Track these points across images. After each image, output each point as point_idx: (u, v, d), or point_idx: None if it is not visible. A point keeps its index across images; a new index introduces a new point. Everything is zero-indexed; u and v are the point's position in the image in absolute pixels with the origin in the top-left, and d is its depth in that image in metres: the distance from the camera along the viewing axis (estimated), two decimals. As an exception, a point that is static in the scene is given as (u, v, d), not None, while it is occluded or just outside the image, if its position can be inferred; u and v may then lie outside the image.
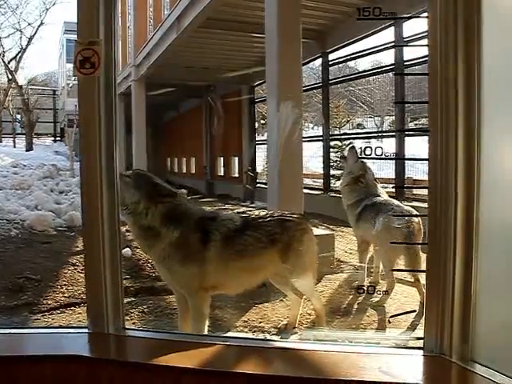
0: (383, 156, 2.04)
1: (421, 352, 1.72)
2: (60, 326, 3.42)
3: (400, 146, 7.81)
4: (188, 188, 14.69)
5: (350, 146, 4.88)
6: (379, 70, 9.33)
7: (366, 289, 2.03)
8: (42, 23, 21.64)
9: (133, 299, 4.22)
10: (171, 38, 10.25)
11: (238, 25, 9.11)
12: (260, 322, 3.54)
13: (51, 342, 2.16)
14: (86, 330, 2.13)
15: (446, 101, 1.63)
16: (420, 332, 1.73)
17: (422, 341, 1.72)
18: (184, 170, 19.11)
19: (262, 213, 3.08)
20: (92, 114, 2.08)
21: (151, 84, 12.86)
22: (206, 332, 2.77)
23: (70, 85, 30.30)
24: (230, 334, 3.40)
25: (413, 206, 4.09)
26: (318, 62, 10.56)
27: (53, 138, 25.45)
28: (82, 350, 1.96)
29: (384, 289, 3.76)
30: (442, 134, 1.63)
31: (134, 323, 3.67)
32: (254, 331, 3.42)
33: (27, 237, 6.51)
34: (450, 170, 1.61)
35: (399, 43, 7.74)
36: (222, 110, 14.25)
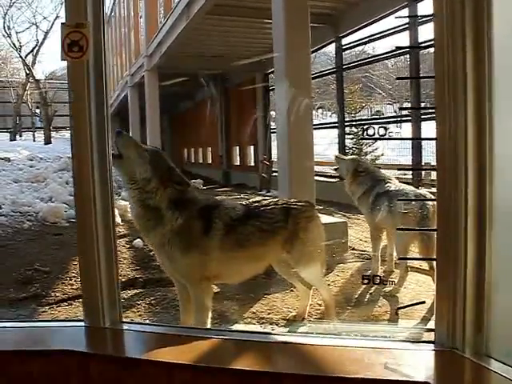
0: (387, 136, 1.90)
1: (431, 346, 1.63)
2: (56, 320, 3.36)
3: (416, 130, 7.62)
4: (204, 178, 14.70)
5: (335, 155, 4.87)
6: (393, 54, 9.08)
7: (371, 279, 1.89)
8: (57, 17, 21.64)
9: (141, 290, 4.17)
10: (181, 26, 10.13)
11: (249, 10, 8.95)
12: (269, 314, 3.43)
13: (45, 336, 2.14)
14: (82, 324, 2.08)
15: (454, 75, 1.51)
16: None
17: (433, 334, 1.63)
18: (200, 160, 19.11)
19: (266, 201, 2.96)
20: (82, 99, 2.01)
21: (164, 74, 12.76)
22: (209, 324, 2.67)
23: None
24: (237, 325, 3.30)
25: (430, 192, 3.92)
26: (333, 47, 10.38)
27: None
28: (76, 345, 1.92)
29: (396, 278, 3.64)
30: (450, 110, 1.50)
31: (140, 315, 3.60)
32: (262, 323, 3.32)
33: (39, 229, 6.53)
34: (459, 149, 1.49)
35: (413, 25, 7.51)
36: (216, 93, 14.09)
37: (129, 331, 2.05)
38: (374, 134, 2.00)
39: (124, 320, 2.13)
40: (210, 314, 2.67)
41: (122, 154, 2.58)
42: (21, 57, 23.10)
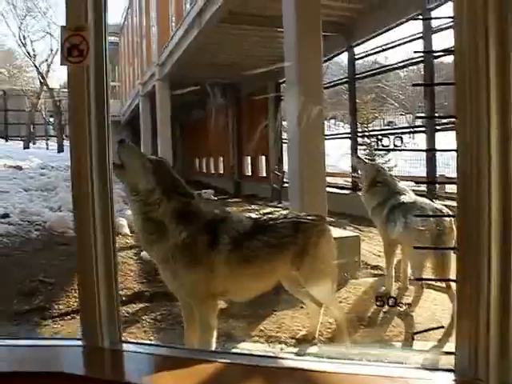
0: (402, 147, 1.79)
1: (451, 376, 1.48)
2: (53, 338, 3.25)
3: (431, 141, 7.47)
4: (215, 188, 14.61)
5: (355, 155, 4.75)
6: (406, 63, 8.94)
7: (385, 300, 1.76)
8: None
9: (146, 305, 4.05)
10: (192, 35, 10.10)
11: (261, 19, 8.87)
12: (277, 332, 3.29)
13: (39, 356, 2.05)
14: (80, 343, 1.97)
15: (476, 81, 1.37)
16: (452, 345, 1.49)
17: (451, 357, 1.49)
18: (212, 170, 19.04)
19: (275, 214, 2.83)
20: (82, 106, 1.93)
21: (176, 83, 12.73)
22: (213, 343, 2.54)
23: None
24: (244, 344, 3.16)
25: (445, 205, 3.76)
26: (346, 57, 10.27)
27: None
28: (71, 367, 1.81)
29: (411, 297, 3.48)
30: (472, 119, 1.38)
31: (144, 331, 3.48)
32: (270, 342, 3.17)
33: (46, 239, 6.45)
34: (482, 161, 1.36)
35: (427, 33, 7.38)
36: (223, 102, 14.02)
37: (128, 352, 1.96)
38: (388, 145, 1.89)
39: (124, 340, 2.04)
40: (215, 333, 2.54)
41: (124, 164, 2.46)
42: (35, 66, 23.35)
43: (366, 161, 4.53)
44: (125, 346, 1.99)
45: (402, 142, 1.87)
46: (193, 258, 2.48)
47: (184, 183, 2.59)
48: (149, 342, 3.03)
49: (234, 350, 2.90)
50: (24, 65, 24.78)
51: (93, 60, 1.93)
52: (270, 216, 2.81)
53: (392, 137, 1.84)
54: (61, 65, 1.99)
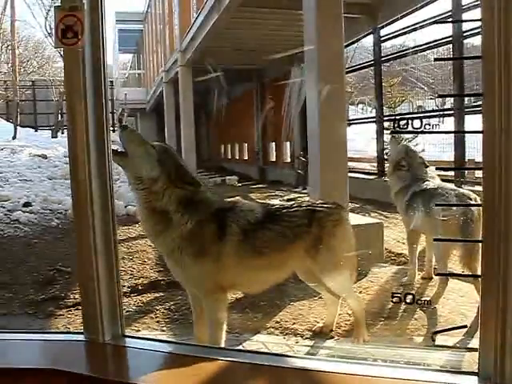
0: (422, 129, 1.63)
1: (474, 380, 1.35)
2: (55, 332, 3.19)
3: (459, 124, 7.19)
4: (240, 174, 14.56)
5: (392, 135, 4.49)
6: (434, 44, 8.59)
7: (401, 297, 1.62)
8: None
9: (162, 294, 3.99)
10: (213, 20, 9.93)
11: (280, 1, 8.63)
12: (293, 324, 3.17)
13: (39, 351, 1.99)
14: (82, 338, 1.90)
15: (506, 54, 1.23)
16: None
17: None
18: (237, 156, 18.97)
19: (289, 202, 2.69)
20: (77, 91, 1.83)
21: (199, 69, 12.61)
22: (223, 338, 2.44)
23: (126, 75, 30.98)
24: (259, 336, 3.05)
25: (474, 191, 3.53)
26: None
27: (112, 128, 26.06)
28: (70, 364, 1.73)
29: (436, 287, 3.31)
30: (501, 97, 1.24)
31: (157, 321, 3.41)
32: (286, 334, 3.05)
33: (67, 227, 6.46)
34: (510, 144, 1.23)
35: (457, 12, 7.05)
36: (244, 86, 13.78)
37: (130, 348, 1.87)
38: (406, 127, 1.73)
39: (127, 334, 1.96)
40: (224, 327, 2.43)
41: (126, 151, 2.35)
42: (62, 56, 23.52)
43: (398, 140, 4.25)
44: (127, 341, 1.91)
45: (421, 124, 1.71)
46: (200, 248, 2.37)
47: (190, 170, 2.47)
48: (152, 337, 2.94)
49: (239, 348, 2.78)
50: (52, 56, 25.01)
51: (88, 42, 1.83)
52: (283, 204, 2.67)
53: (418, 120, 1.69)
54: (55, 47, 1.91)
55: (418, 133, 1.72)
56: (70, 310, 3.75)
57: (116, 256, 1.95)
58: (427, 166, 3.86)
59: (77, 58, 1.81)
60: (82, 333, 1.89)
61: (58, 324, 3.53)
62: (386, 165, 8.98)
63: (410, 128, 1.75)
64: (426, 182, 3.63)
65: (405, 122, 1.68)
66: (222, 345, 2.41)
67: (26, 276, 4.53)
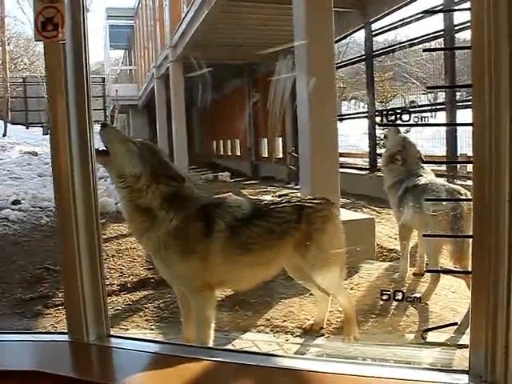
0: (411, 122, 1.61)
1: (465, 378, 1.34)
2: (39, 332, 3.15)
3: (450, 118, 7.18)
4: (232, 170, 14.52)
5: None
6: (425, 38, 8.56)
7: (391, 295, 1.59)
8: (87, 10, 21.71)
9: (151, 292, 3.94)
10: (203, 15, 9.84)
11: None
12: (284, 321, 3.13)
13: (23, 352, 1.97)
14: (66, 338, 1.86)
15: (496, 44, 1.21)
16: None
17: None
18: (229, 152, 18.91)
19: (278, 198, 2.64)
20: (59, 86, 1.79)
21: (189, 65, 12.52)
22: (212, 337, 2.40)
23: (118, 71, 30.73)
24: (248, 334, 3.02)
25: (465, 186, 3.50)
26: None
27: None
28: (54, 366, 1.71)
29: (427, 283, 3.28)
30: (491, 89, 1.22)
31: (146, 320, 3.37)
32: (276, 331, 3.02)
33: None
34: (501, 137, 1.22)
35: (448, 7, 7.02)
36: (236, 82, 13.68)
37: (115, 348, 1.84)
38: (395, 120, 1.70)
39: (112, 334, 1.92)
40: (212, 326, 2.40)
41: (108, 149, 2.31)
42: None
43: (395, 131, 3.99)
44: (112, 342, 1.89)
45: (409, 117, 1.68)
46: (186, 246, 2.33)
47: (174, 166, 2.43)
48: (137, 337, 2.90)
49: (228, 347, 2.74)
50: (42, 51, 24.77)
51: (69, 35, 1.78)
52: (271, 200, 2.63)
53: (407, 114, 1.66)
54: (35, 41, 1.87)
55: (407, 125, 1.69)
56: (58, 309, 3.70)
57: (100, 255, 1.93)
58: (424, 162, 3.79)
59: (58, 51, 1.78)
60: (66, 333, 1.87)
61: (45, 323, 3.49)
62: (379, 160, 9.00)
63: (398, 121, 1.73)
64: (419, 178, 3.56)
65: (393, 115, 1.66)
66: (210, 344, 2.38)
67: (14, 275, 4.48)
